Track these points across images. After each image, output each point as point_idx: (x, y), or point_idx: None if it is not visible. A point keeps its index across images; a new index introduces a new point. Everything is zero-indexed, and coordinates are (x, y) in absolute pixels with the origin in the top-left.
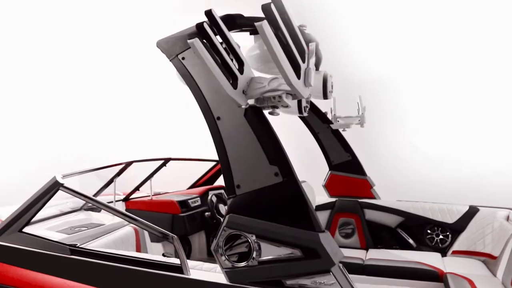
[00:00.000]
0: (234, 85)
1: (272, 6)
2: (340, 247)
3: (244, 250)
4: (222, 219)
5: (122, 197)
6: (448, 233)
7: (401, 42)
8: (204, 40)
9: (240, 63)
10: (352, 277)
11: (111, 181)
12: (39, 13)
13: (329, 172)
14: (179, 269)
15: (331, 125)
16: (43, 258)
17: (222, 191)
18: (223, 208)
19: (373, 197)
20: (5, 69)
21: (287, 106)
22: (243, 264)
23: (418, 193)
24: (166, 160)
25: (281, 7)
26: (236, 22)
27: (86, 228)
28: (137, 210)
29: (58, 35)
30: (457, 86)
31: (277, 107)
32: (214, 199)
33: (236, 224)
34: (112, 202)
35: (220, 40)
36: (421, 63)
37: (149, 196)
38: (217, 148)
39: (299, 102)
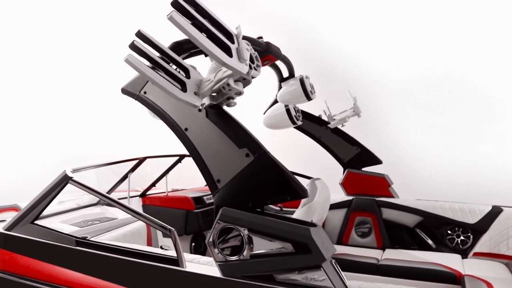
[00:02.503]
0: (184, 89)
1: (180, 0)
2: (356, 246)
3: (237, 244)
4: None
5: (140, 193)
6: (469, 234)
7: (407, 37)
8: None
9: (185, 70)
10: (364, 276)
11: (125, 176)
12: (44, 10)
13: (346, 170)
14: (175, 261)
15: (329, 126)
16: (50, 249)
17: None
18: None
19: (391, 196)
20: (11, 69)
21: (240, 93)
22: (235, 257)
23: (439, 191)
24: (181, 157)
25: (192, 1)
26: (183, 47)
27: (99, 222)
28: (152, 205)
29: (63, 33)
30: (473, 81)
31: (232, 98)
32: None
33: (229, 217)
34: (126, 198)
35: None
36: (440, 57)
37: (165, 192)
38: (192, 155)
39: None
